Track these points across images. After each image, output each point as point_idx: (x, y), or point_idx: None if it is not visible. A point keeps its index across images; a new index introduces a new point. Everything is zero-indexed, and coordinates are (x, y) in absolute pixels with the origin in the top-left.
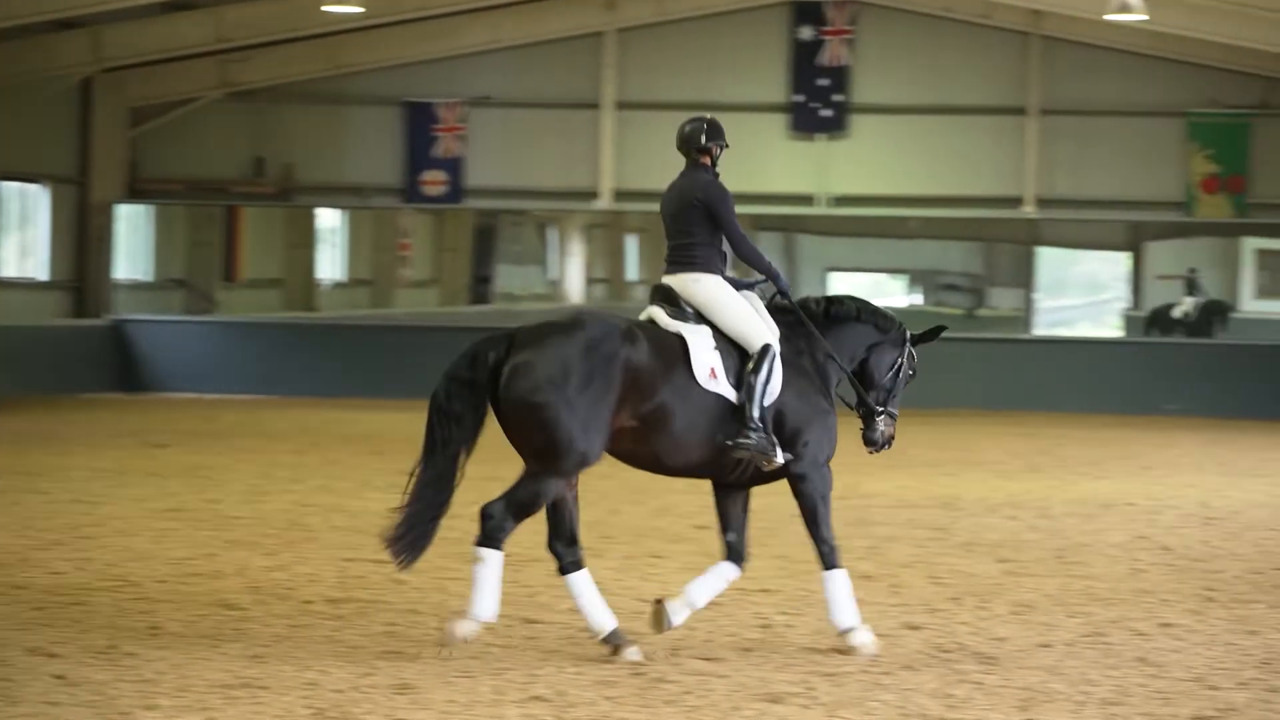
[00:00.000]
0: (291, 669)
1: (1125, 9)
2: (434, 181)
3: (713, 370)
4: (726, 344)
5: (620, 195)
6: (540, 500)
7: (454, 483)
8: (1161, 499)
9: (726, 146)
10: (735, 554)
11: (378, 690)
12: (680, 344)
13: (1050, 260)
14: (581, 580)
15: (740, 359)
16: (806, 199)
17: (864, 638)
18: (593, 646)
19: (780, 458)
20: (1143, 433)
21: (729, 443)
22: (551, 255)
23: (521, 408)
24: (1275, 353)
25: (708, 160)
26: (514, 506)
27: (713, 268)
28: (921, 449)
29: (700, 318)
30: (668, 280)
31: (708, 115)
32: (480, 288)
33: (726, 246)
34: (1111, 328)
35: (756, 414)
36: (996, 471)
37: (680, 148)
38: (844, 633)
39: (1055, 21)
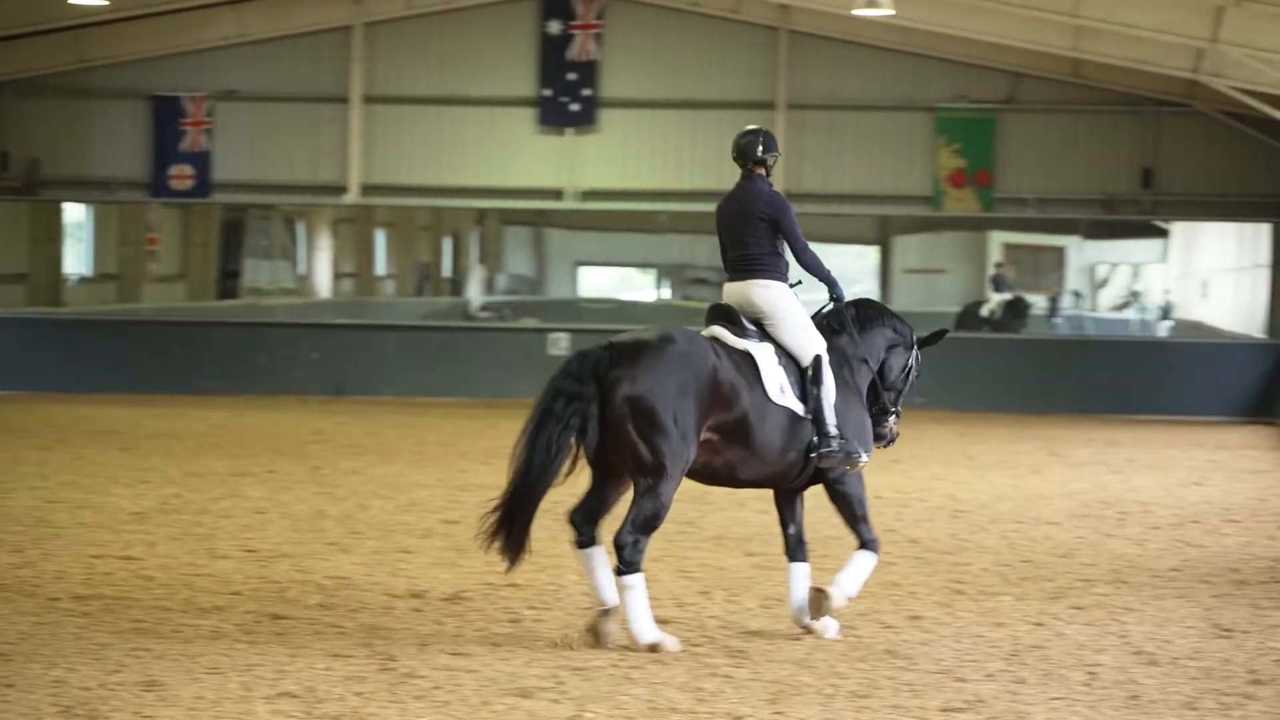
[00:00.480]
0: (38, 666)
1: (873, 4)
2: (181, 176)
3: (781, 386)
4: (786, 359)
5: (369, 190)
6: (664, 510)
7: (550, 487)
8: (909, 492)
9: (779, 156)
10: (797, 546)
11: (125, 687)
12: (751, 361)
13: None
14: (598, 555)
15: (797, 372)
16: (555, 193)
17: (834, 621)
18: (339, 640)
19: (866, 456)
20: None
21: (813, 455)
22: (300, 250)
23: (636, 418)
24: (1019, 346)
25: (763, 171)
26: (640, 526)
27: (779, 275)
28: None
29: (761, 334)
30: (732, 287)
31: (761, 127)
32: (228, 283)
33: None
34: None
35: (832, 422)
36: None
37: (736, 158)
38: (834, 598)
39: (803, 16)
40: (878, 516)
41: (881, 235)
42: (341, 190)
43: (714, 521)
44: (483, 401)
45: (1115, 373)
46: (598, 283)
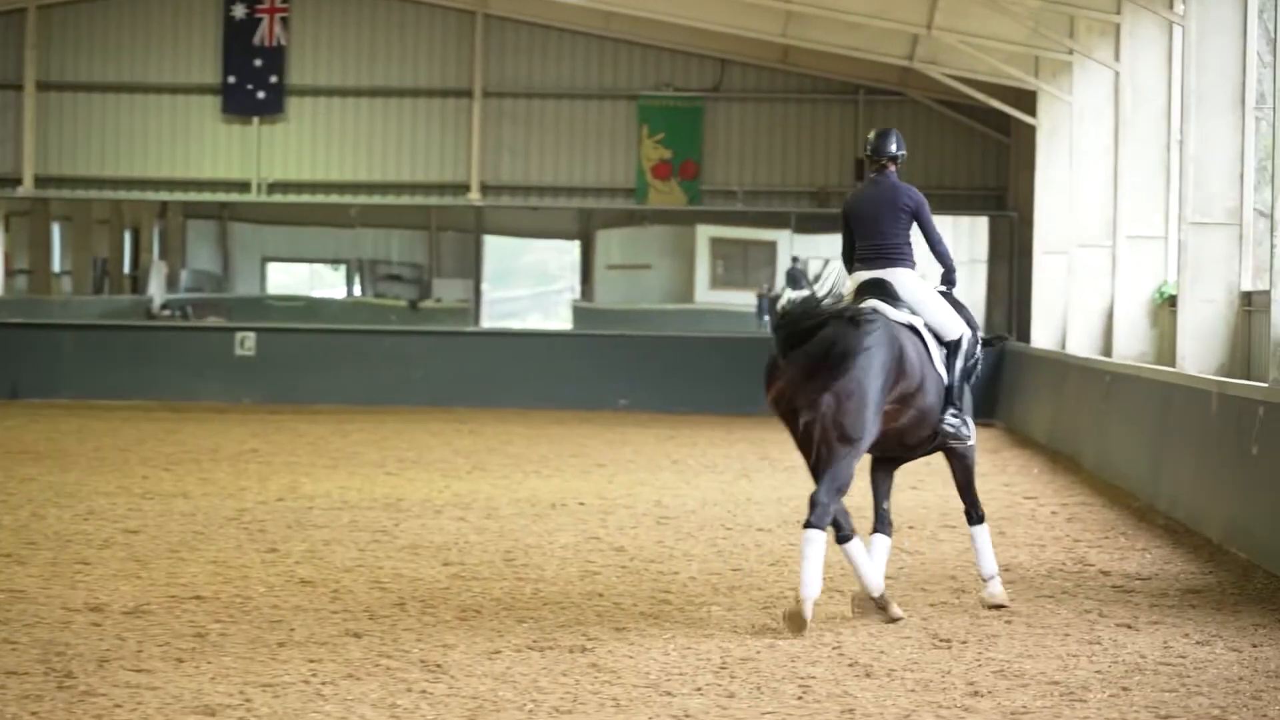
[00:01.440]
0: None
1: None
2: None
3: (938, 357)
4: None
5: (44, 181)
6: (850, 478)
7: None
8: (614, 498)
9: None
10: (885, 521)
11: None
12: (915, 332)
13: (498, 249)
14: (857, 548)
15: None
16: (242, 185)
17: (998, 588)
18: (13, 657)
19: (973, 437)
20: (595, 429)
21: (944, 422)
22: None
23: (849, 391)
24: (731, 346)
25: (894, 167)
26: (835, 490)
27: (912, 264)
28: (365, 448)
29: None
30: (870, 274)
31: (891, 127)
32: None
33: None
34: (562, 320)
35: (965, 397)
36: (442, 471)
37: (872, 155)
38: (987, 579)
39: (502, 1)
40: (580, 525)
41: (583, 229)
42: (15, 182)
43: (409, 530)
44: (166, 404)
45: None
46: (286, 280)
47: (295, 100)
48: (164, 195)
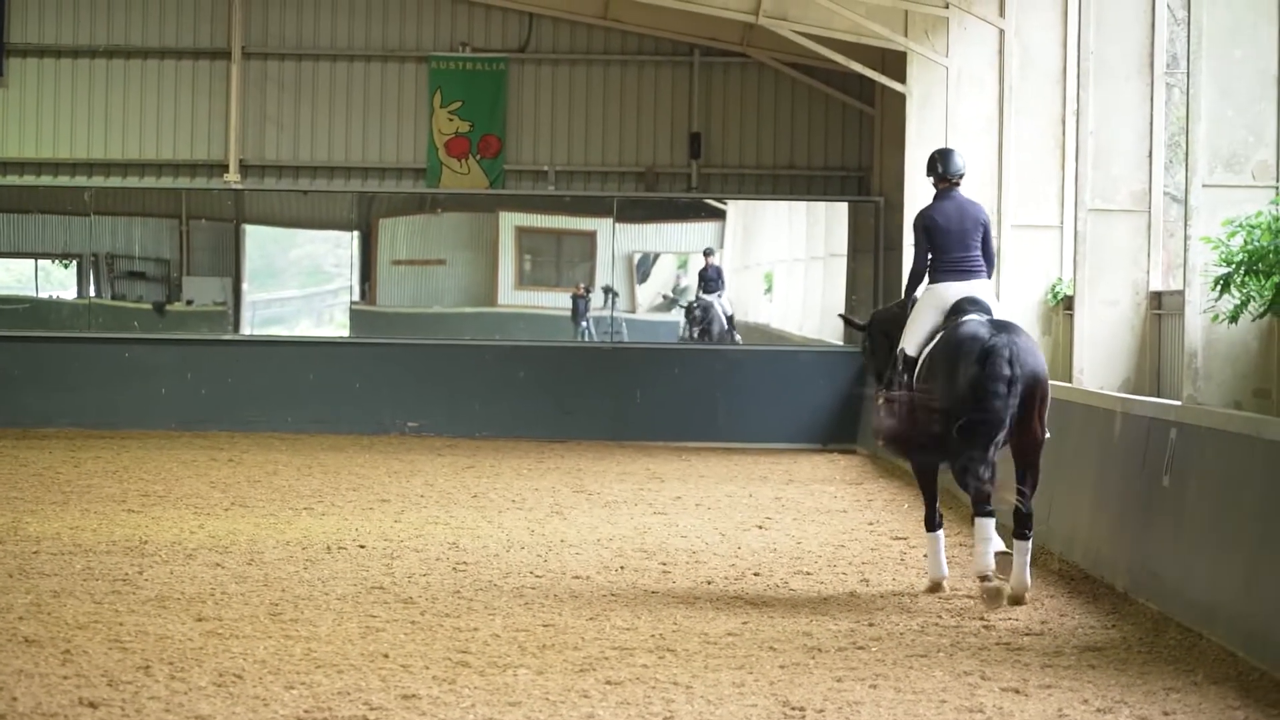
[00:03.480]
0: None
1: None
2: None
3: None
4: None
5: None
6: None
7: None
8: (401, 540)
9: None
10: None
11: None
12: None
13: (261, 242)
14: (989, 525)
15: None
16: None
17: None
18: None
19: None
20: (378, 457)
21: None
22: None
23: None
24: (542, 356)
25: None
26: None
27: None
28: (101, 480)
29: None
30: (965, 286)
31: (949, 148)
32: None
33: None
34: (338, 326)
35: None
36: (195, 507)
37: (943, 175)
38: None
39: None
40: (361, 572)
41: (363, 218)
42: None
43: (155, 578)
44: None
45: (658, 389)
46: (5, 278)
47: (16, 63)
48: None
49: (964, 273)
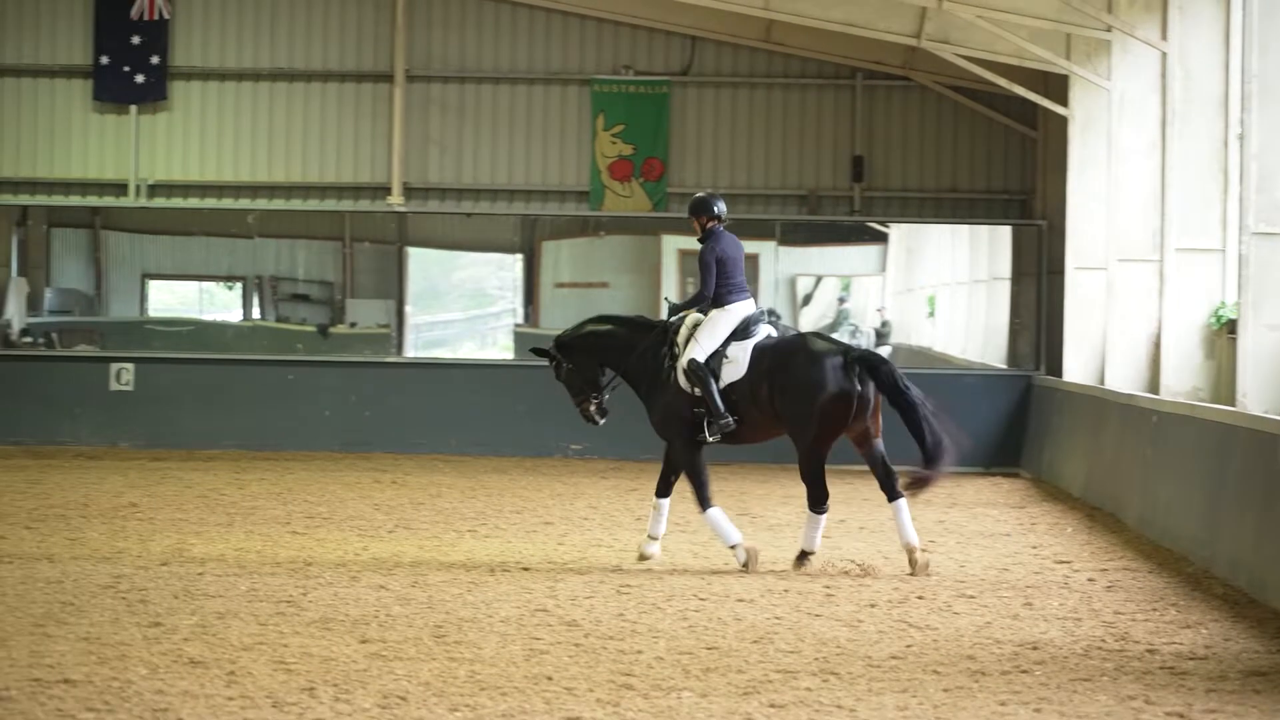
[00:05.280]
0: None
1: None
2: None
3: None
4: None
5: None
6: None
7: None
8: (565, 562)
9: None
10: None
11: None
12: None
13: (424, 264)
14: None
15: None
16: (117, 187)
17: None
18: None
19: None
20: (542, 479)
21: None
22: None
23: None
24: None
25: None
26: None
27: None
28: (266, 501)
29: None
30: (748, 305)
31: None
32: None
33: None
34: (501, 348)
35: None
36: (359, 529)
37: (717, 214)
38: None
39: None
40: (524, 594)
41: (526, 240)
42: None
43: (319, 600)
44: (27, 450)
45: None
46: (171, 300)
47: (181, 85)
48: (24, 199)
49: (745, 294)
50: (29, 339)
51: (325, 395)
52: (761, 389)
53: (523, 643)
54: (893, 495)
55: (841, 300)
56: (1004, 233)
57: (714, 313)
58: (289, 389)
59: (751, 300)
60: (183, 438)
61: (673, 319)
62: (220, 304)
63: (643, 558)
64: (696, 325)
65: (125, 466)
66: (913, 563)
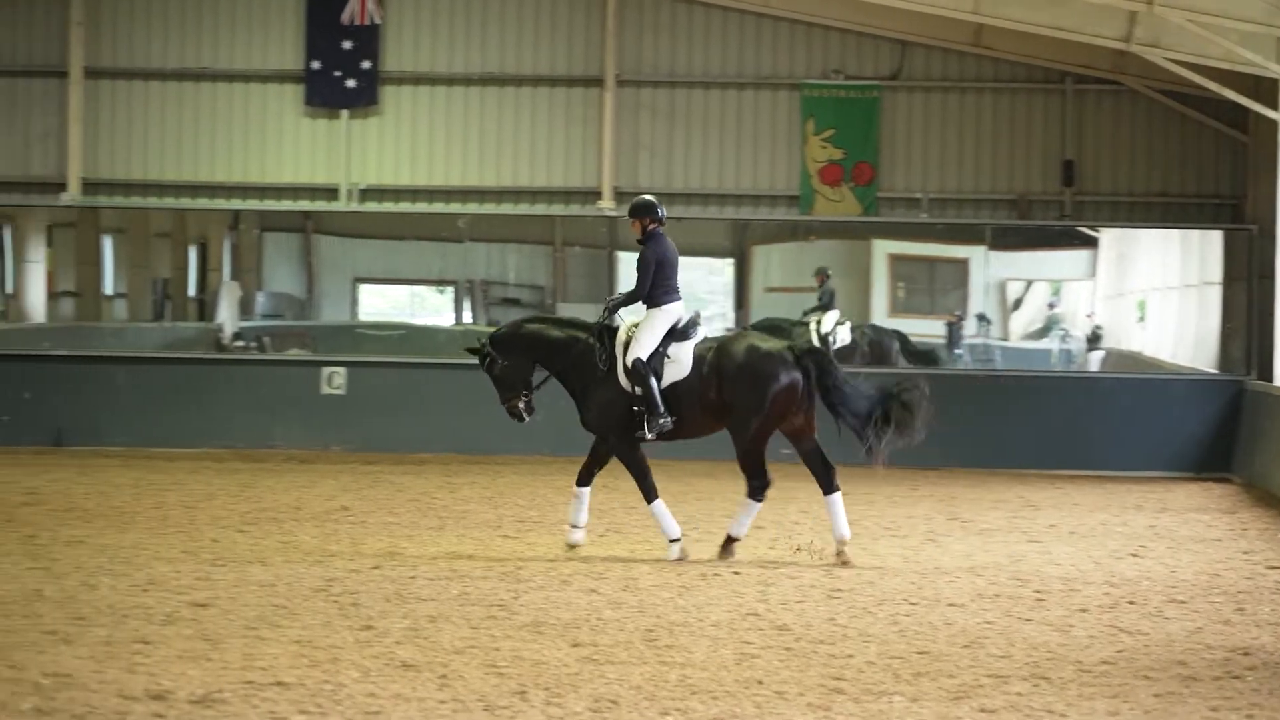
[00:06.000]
0: None
1: None
2: None
3: None
4: None
5: (93, 187)
6: None
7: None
8: (775, 566)
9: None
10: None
11: None
12: None
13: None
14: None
15: None
16: (329, 191)
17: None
18: None
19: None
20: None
21: None
22: (5, 263)
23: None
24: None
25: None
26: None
27: None
28: (477, 505)
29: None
30: (682, 306)
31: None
32: None
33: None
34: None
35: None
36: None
37: (659, 218)
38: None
39: None
40: (735, 599)
41: (737, 244)
42: (59, 187)
43: (530, 603)
44: (239, 453)
45: (1031, 417)
46: (382, 304)
47: (391, 90)
48: (236, 204)
49: (678, 296)
50: (241, 343)
51: (537, 399)
52: (711, 384)
53: (734, 647)
54: (829, 489)
55: (1051, 305)
56: (1214, 237)
57: (651, 312)
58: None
59: (682, 303)
60: (394, 441)
61: (608, 321)
62: (431, 308)
63: (571, 546)
64: (634, 326)
65: (337, 470)
66: (839, 554)
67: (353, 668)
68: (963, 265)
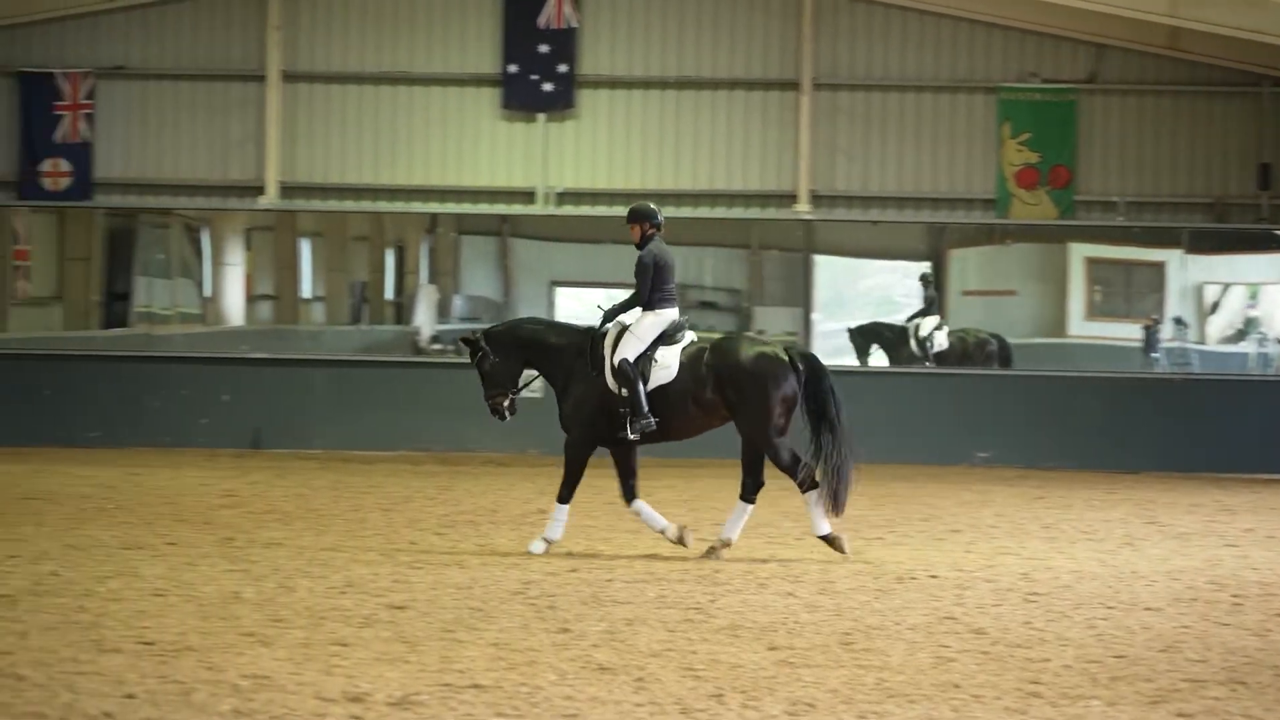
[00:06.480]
0: None
1: None
2: (55, 173)
3: None
4: None
5: (290, 190)
6: None
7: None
8: (972, 570)
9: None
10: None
11: None
12: None
13: (831, 271)
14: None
15: None
16: (525, 195)
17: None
18: None
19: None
20: (949, 487)
21: None
22: (204, 266)
23: None
24: (1112, 388)
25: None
26: None
27: None
28: (675, 509)
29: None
30: (675, 311)
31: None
32: (114, 307)
33: None
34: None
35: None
36: (767, 536)
37: (657, 223)
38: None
39: None
40: (932, 602)
41: (933, 248)
42: (257, 191)
43: (727, 606)
44: (436, 456)
45: (1229, 420)
46: (578, 306)
47: (588, 93)
48: (433, 206)
49: (674, 301)
50: (438, 345)
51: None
52: (704, 388)
53: (931, 650)
54: (747, 497)
55: (1249, 308)
56: None
57: (645, 315)
58: None
59: (677, 309)
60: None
61: (601, 326)
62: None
63: (677, 541)
64: (624, 329)
65: (534, 473)
66: (713, 548)
67: (549, 670)
68: (1159, 269)
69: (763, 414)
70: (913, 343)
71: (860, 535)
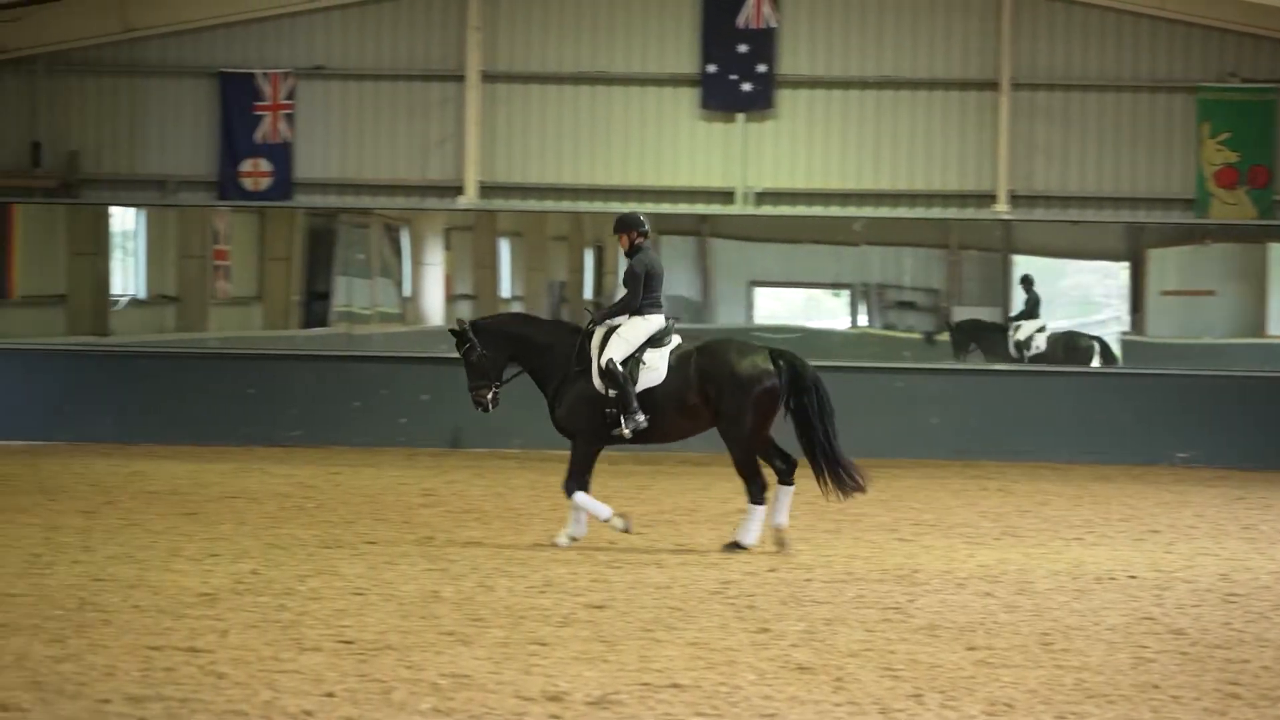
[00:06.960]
0: None
1: None
2: (255, 173)
3: None
4: None
5: (489, 190)
6: None
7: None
8: (1172, 570)
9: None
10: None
11: None
12: None
13: (1029, 272)
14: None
15: None
16: (724, 195)
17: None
18: None
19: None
20: (1148, 487)
21: None
22: (404, 266)
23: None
24: None
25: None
26: None
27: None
28: (872, 508)
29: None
30: (661, 318)
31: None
32: (315, 307)
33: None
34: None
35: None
36: (966, 537)
37: (645, 231)
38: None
39: None
40: (1131, 603)
41: (1132, 248)
42: (456, 191)
43: (926, 606)
44: (634, 455)
45: None
46: (777, 308)
47: (787, 94)
48: (631, 207)
49: (662, 307)
50: None
51: (932, 403)
52: (691, 390)
53: (1130, 651)
54: (785, 481)
55: None
56: None
57: (633, 319)
58: (896, 396)
59: (663, 315)
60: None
61: (591, 326)
62: (827, 311)
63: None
64: (611, 330)
65: (732, 473)
66: (778, 543)
67: (748, 670)
68: None
69: (740, 418)
70: (1010, 344)
71: (1059, 536)
